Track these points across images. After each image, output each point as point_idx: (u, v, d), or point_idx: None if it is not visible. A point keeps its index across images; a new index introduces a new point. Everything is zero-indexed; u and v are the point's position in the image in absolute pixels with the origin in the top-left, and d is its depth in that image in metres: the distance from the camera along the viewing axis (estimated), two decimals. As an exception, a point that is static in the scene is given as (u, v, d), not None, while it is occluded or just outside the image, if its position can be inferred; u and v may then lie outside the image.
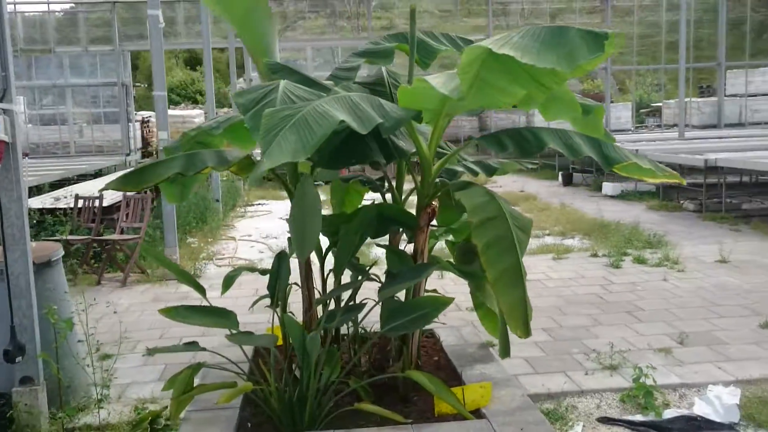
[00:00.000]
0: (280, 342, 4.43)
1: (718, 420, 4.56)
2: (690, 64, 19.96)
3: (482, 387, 3.41)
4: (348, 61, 4.11)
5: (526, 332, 2.87)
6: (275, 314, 3.94)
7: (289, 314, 4.14)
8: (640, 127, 24.10)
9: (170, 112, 25.75)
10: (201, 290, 3.62)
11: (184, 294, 7.89)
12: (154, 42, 8.50)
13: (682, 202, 13.01)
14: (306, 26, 30.83)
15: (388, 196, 4.24)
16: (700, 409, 4.72)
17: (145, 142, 22.20)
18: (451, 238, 3.96)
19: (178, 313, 3.31)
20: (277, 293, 3.59)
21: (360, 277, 3.65)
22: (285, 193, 15.87)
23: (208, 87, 12.66)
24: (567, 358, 5.54)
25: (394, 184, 4.24)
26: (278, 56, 4.05)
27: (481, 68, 2.90)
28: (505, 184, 17.56)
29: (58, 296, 4.61)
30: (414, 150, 3.51)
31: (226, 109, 34.56)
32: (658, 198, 13.74)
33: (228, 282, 3.79)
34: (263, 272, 4.00)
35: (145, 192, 11.98)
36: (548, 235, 10.85)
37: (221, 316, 3.34)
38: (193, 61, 37.26)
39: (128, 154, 19.51)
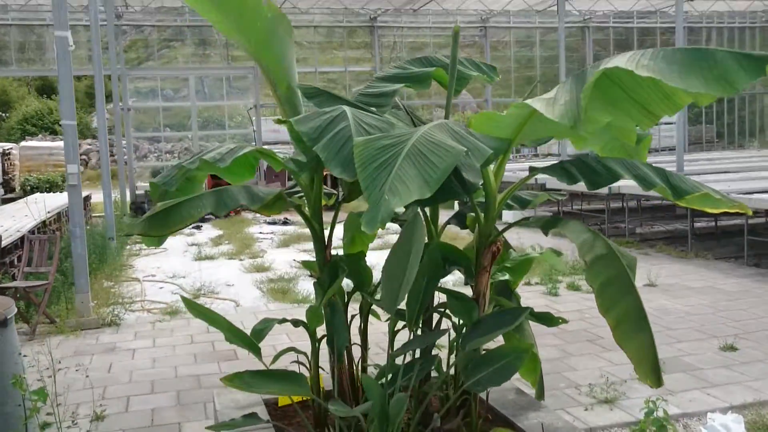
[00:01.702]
0: (283, 402, 3.94)
1: (731, 449, 4.53)
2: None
3: (565, 440, 3.12)
4: (373, 86, 3.74)
5: (657, 381, 2.63)
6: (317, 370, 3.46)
7: (318, 371, 3.67)
8: (515, 156, 25.02)
9: (35, 143, 23.75)
10: (256, 351, 3.09)
11: (108, 345, 7.06)
12: (61, 66, 7.64)
13: (583, 228, 13.43)
14: (171, 55, 29.65)
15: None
16: (710, 439, 4.67)
17: (6, 177, 20.23)
18: (507, 277, 3.67)
19: (243, 381, 2.78)
20: (336, 349, 3.12)
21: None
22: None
23: (100, 116, 11.67)
24: (559, 394, 5.38)
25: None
26: (297, 79, 3.63)
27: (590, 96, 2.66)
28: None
29: (17, 361, 3.85)
30: (481, 182, 3.20)
31: (89, 140, 32.51)
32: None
33: (258, 335, 3.27)
34: (295, 323, 3.51)
35: (53, 231, 10.80)
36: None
37: (291, 381, 2.84)
38: (48, 89, 34.80)
39: (-10, 190, 17.69)
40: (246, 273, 10.77)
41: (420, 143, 2.47)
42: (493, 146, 2.74)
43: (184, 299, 3.17)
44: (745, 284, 8.73)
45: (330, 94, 3.38)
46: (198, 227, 16.34)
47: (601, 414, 5.00)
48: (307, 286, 9.51)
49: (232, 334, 3.03)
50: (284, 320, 3.52)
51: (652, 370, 2.64)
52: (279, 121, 3.20)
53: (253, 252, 12.47)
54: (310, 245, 12.79)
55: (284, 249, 12.86)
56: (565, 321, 3.48)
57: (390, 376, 3.03)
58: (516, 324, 2.95)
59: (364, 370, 3.74)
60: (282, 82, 3.52)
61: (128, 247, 13.16)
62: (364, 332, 3.80)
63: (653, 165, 3.36)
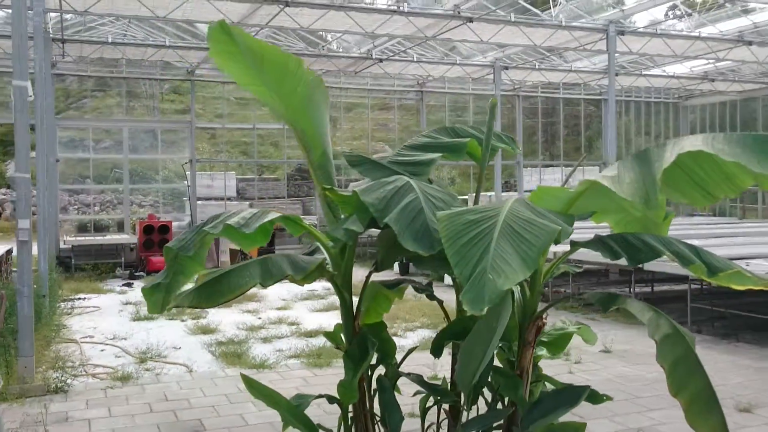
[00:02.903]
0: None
1: None
2: (491, 162, 21.73)
3: None
4: (404, 155, 3.70)
5: (731, 463, 2.62)
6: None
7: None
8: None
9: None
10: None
11: (59, 415, 6.56)
12: (19, 117, 7.29)
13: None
14: (92, 105, 28.97)
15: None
16: None
17: None
18: (544, 352, 3.62)
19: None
20: (392, 430, 2.98)
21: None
22: (105, 286, 14.23)
23: (40, 165, 11.15)
24: (550, 466, 5.33)
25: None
26: (331, 145, 3.56)
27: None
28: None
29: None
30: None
31: (4, 190, 31.06)
32: (500, 288, 14.28)
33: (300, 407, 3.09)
34: (330, 400, 3.35)
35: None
36: (420, 328, 10.71)
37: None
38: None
39: None
40: (191, 335, 10.36)
41: (511, 220, 2.44)
42: (567, 223, 2.73)
43: (243, 377, 2.97)
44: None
45: (373, 162, 3.32)
46: (129, 284, 15.69)
47: (596, 487, 4.97)
48: (261, 350, 9.21)
49: (293, 416, 2.85)
50: (320, 396, 3.36)
51: (726, 452, 2.64)
52: (324, 189, 3.11)
53: (195, 312, 11.98)
54: (253, 305, 12.58)
55: (227, 309, 12.44)
56: (610, 398, 3.46)
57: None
58: (579, 403, 2.91)
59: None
60: (317, 148, 3.44)
61: (59, 305, 12.45)
62: (389, 407, 3.66)
63: (686, 242, 3.42)
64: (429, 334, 10.03)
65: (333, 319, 11.19)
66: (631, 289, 11.84)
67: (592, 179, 2.78)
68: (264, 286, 2.99)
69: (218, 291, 2.92)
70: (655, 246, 3.26)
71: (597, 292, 3.22)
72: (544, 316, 3.26)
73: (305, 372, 8.16)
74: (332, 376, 7.92)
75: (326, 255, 3.66)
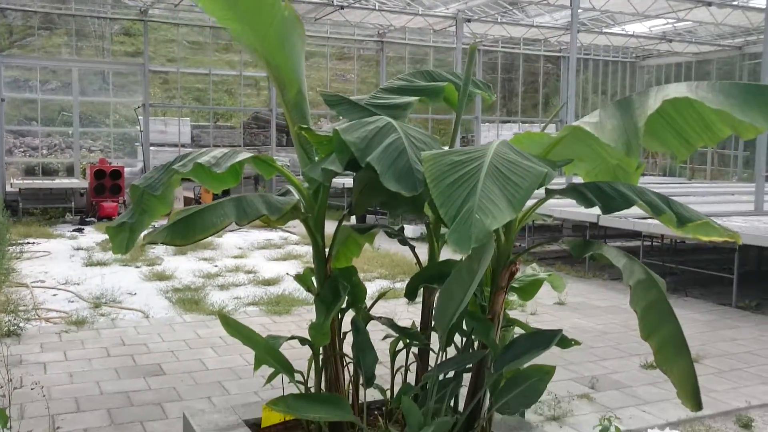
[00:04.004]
0: (267, 422, 3.72)
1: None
2: (449, 116, 21.70)
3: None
4: (380, 98, 3.62)
5: (697, 405, 2.69)
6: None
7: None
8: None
9: None
10: (291, 374, 2.88)
11: (13, 358, 6.42)
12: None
13: (482, 245, 13.80)
14: (38, 44, 27.82)
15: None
16: (655, 453, 4.89)
17: None
18: (515, 297, 3.65)
19: (288, 405, 2.58)
20: (365, 371, 2.98)
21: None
22: (55, 231, 13.97)
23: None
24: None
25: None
26: (306, 84, 3.47)
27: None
28: (290, 225, 17.22)
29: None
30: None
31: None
32: (457, 241, 14.41)
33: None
34: (303, 341, 3.32)
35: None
36: (377, 278, 10.75)
37: (334, 405, 2.67)
38: None
39: None
40: (147, 281, 10.21)
41: (497, 162, 2.41)
42: (550, 167, 2.73)
43: (220, 315, 2.91)
44: (646, 304, 9.26)
45: (351, 102, 3.25)
46: (80, 230, 15.35)
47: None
48: (218, 297, 9.14)
49: (270, 355, 2.82)
50: (293, 337, 3.33)
51: (692, 395, 2.71)
52: (301, 129, 3.03)
53: (150, 259, 11.83)
54: (209, 253, 12.41)
55: (182, 257, 12.30)
56: (578, 343, 3.51)
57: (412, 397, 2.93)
58: (551, 346, 2.94)
59: (357, 388, 3.60)
60: (293, 86, 3.35)
61: (8, 249, 12.11)
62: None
63: (657, 192, 3.46)
64: (386, 284, 10.08)
65: (291, 268, 11.15)
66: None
67: (574, 124, 2.78)
68: (239, 224, 2.93)
69: (192, 228, 2.84)
70: (628, 195, 3.28)
71: (573, 239, 3.25)
72: (517, 261, 3.28)
73: (264, 319, 8.14)
74: (291, 323, 7.93)
75: (298, 197, 3.60)
